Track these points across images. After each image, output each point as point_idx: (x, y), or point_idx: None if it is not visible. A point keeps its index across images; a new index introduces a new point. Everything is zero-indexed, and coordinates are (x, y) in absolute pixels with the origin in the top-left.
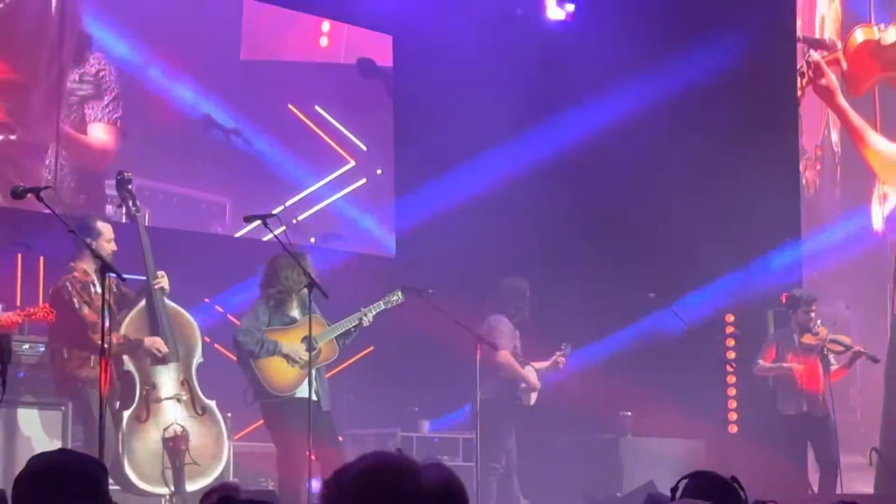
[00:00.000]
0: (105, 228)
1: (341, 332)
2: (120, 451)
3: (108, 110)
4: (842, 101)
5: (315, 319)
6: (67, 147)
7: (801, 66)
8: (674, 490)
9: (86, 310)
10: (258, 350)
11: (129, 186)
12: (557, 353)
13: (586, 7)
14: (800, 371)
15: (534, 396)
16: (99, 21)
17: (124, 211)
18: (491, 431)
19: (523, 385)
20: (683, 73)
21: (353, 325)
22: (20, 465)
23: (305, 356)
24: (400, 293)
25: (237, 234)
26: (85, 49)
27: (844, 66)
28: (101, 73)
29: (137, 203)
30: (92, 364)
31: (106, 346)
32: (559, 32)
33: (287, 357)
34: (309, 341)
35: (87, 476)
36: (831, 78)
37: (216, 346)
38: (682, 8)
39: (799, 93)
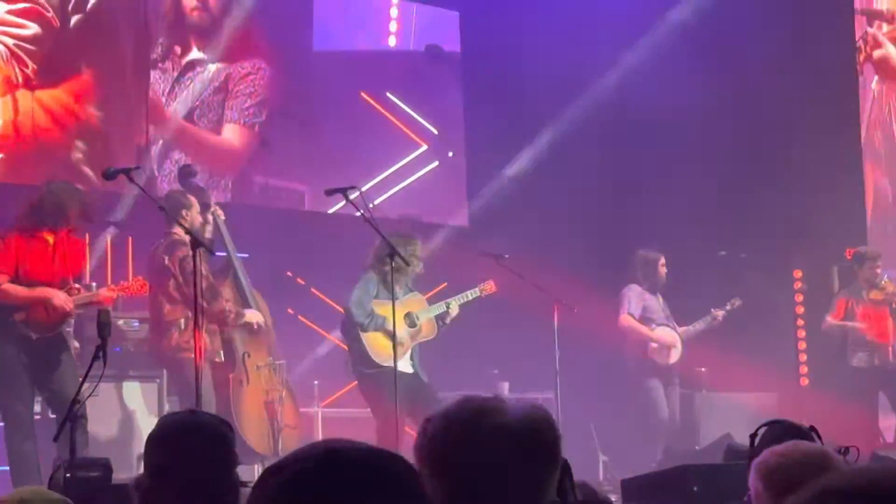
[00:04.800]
0: (193, 200)
1: (439, 312)
2: (232, 413)
3: (247, 113)
4: None
5: (417, 298)
6: (188, 145)
7: (859, 42)
8: (753, 436)
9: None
10: (367, 322)
11: (193, 179)
12: (714, 309)
13: None
14: (865, 329)
15: (673, 354)
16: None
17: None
18: (640, 391)
19: (654, 345)
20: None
21: (449, 306)
22: (122, 433)
23: (408, 332)
24: (492, 282)
25: (330, 211)
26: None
27: None
28: (250, 76)
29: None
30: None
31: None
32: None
33: (390, 333)
34: (394, 328)
35: (218, 435)
36: (888, 48)
37: (300, 317)
38: None
39: (858, 67)
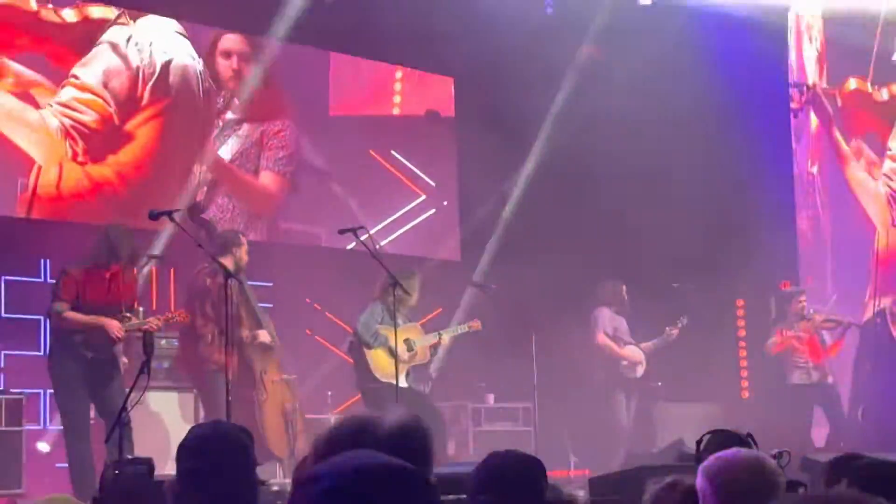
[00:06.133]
0: (244, 239)
1: (432, 341)
2: (256, 423)
3: (281, 163)
4: (835, 132)
5: (414, 327)
6: (236, 189)
7: (802, 87)
8: (698, 443)
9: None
10: (373, 341)
11: (202, 214)
12: (668, 328)
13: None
14: (802, 339)
15: (639, 369)
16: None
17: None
18: (606, 401)
19: (624, 362)
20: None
21: (441, 337)
22: (164, 436)
23: (405, 355)
24: (479, 321)
25: (349, 247)
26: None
27: (839, 102)
28: (281, 132)
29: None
30: (223, 350)
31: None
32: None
33: (391, 351)
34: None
35: (239, 442)
36: (827, 107)
37: (316, 337)
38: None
39: (794, 105)
